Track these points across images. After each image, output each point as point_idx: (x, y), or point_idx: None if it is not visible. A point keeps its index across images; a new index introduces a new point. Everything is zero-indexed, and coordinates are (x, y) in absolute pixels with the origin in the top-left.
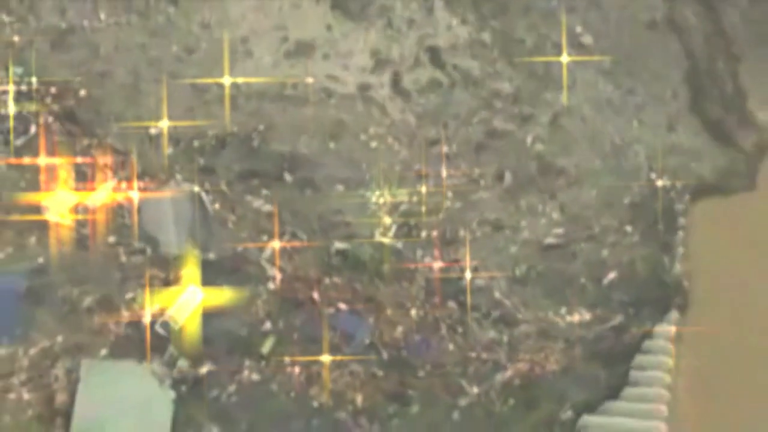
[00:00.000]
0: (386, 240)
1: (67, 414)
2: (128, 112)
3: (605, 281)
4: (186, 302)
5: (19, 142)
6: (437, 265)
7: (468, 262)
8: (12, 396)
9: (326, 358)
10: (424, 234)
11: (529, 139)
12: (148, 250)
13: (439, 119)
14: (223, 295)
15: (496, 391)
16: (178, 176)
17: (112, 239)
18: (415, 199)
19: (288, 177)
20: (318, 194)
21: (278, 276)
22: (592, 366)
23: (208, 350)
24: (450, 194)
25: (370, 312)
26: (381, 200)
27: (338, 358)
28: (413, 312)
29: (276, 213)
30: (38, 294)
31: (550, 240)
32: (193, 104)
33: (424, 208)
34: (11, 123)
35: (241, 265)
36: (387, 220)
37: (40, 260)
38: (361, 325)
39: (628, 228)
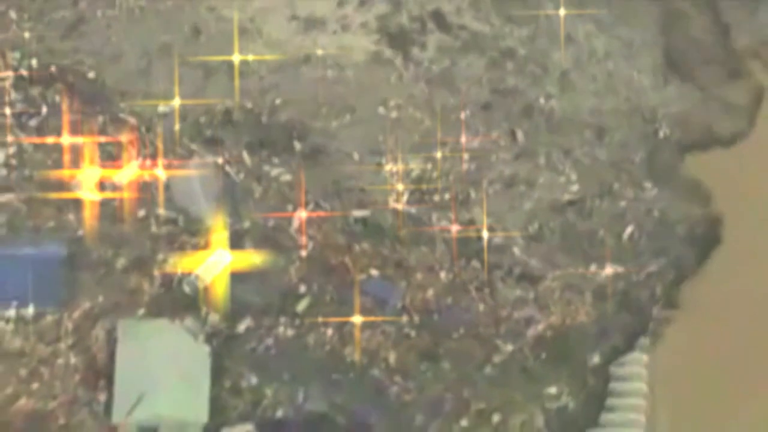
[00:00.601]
0: (399, 206)
1: (108, 375)
2: (139, 92)
3: (625, 234)
4: (213, 263)
5: (33, 123)
6: (455, 228)
7: (485, 222)
8: (60, 361)
9: (357, 319)
10: (437, 198)
11: (541, 99)
12: (180, 220)
13: (451, 83)
14: (251, 258)
15: (528, 346)
16: (194, 147)
17: (142, 212)
18: (429, 166)
19: (297, 145)
20: (331, 162)
21: (308, 244)
22: (622, 315)
23: (245, 309)
24: (466, 157)
25: (400, 277)
26: (394, 168)
27: (370, 319)
28: (442, 275)
29: (302, 183)
30: (77, 260)
31: (568, 197)
32: (203, 83)
33: (436, 173)
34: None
35: (273, 235)
36: (400, 186)
37: (80, 233)
38: (393, 290)
39: (647, 184)
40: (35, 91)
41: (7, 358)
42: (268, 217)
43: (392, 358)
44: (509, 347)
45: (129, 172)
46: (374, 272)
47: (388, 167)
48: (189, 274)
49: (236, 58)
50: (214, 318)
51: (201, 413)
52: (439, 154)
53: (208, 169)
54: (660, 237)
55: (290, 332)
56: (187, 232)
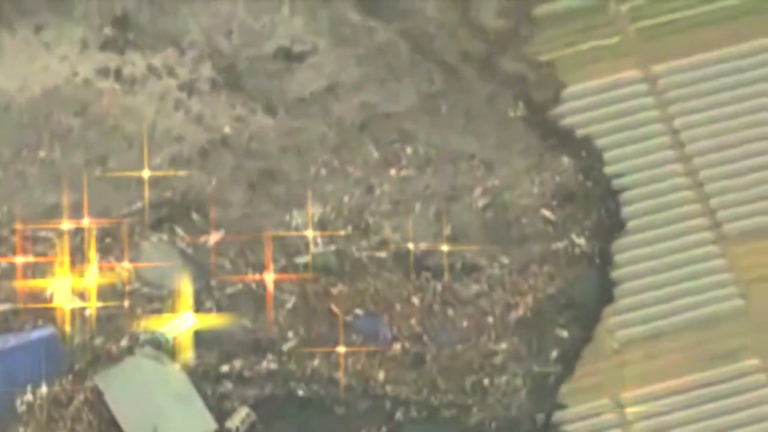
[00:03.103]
0: (314, 250)
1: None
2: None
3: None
4: (177, 324)
5: None
6: (382, 254)
7: (411, 234)
8: (84, 416)
9: (342, 349)
10: (343, 233)
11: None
12: (166, 294)
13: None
14: (215, 320)
15: (514, 333)
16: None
17: (126, 303)
18: (328, 208)
19: (195, 216)
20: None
21: (289, 298)
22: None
23: (230, 349)
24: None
25: (381, 311)
26: (299, 219)
27: (353, 349)
28: (415, 300)
29: (269, 244)
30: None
31: (483, 201)
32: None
33: (334, 214)
34: None
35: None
36: (309, 233)
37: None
38: (380, 323)
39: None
40: None
41: (49, 426)
42: (237, 280)
43: (381, 375)
44: (503, 345)
45: (92, 275)
46: (358, 311)
47: (294, 220)
48: (153, 332)
49: (146, 173)
50: (189, 357)
51: (208, 421)
52: (346, 198)
53: (162, 246)
54: (574, 199)
55: (273, 366)
56: (156, 299)
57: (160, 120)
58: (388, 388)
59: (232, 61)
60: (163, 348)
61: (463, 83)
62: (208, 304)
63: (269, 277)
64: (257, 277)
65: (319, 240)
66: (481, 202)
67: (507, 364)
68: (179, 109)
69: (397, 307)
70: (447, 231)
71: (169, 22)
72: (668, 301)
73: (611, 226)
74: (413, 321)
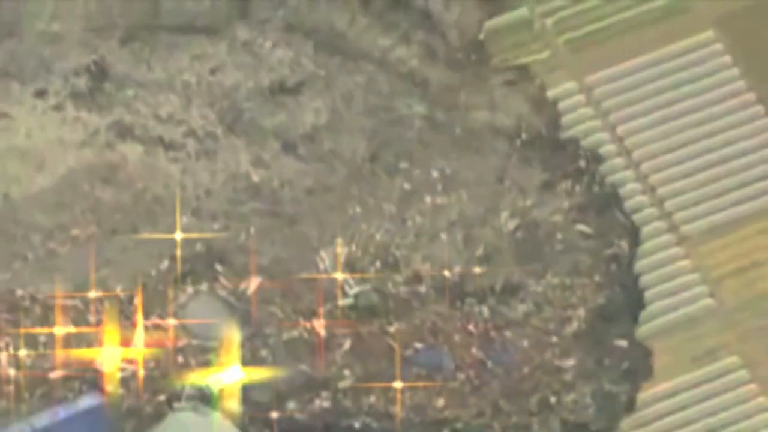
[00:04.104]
0: (351, 291)
1: None
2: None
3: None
4: (224, 377)
5: None
6: (421, 287)
7: (446, 262)
8: None
9: (398, 384)
10: (373, 270)
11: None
12: (215, 346)
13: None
14: (266, 373)
15: (572, 346)
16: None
17: (180, 359)
18: (353, 247)
19: (219, 267)
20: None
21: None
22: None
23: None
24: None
25: (441, 343)
26: (327, 261)
27: (410, 384)
28: (471, 327)
29: (320, 289)
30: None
31: (512, 223)
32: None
33: (361, 252)
34: None
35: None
36: (339, 275)
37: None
38: (443, 355)
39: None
40: None
41: None
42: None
43: (440, 402)
44: (571, 362)
45: (139, 338)
46: (418, 345)
47: (322, 263)
48: (198, 385)
49: (178, 236)
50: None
51: None
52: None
53: (204, 296)
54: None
55: (327, 404)
56: (207, 351)
57: (182, 174)
58: (447, 413)
59: (233, 101)
60: (208, 401)
61: (459, 112)
62: (263, 352)
63: (319, 323)
64: (308, 324)
65: (351, 280)
66: (510, 224)
67: (575, 380)
68: (200, 159)
69: (455, 337)
70: (480, 252)
71: (159, 68)
72: (644, 306)
73: (631, 224)
74: (473, 349)
